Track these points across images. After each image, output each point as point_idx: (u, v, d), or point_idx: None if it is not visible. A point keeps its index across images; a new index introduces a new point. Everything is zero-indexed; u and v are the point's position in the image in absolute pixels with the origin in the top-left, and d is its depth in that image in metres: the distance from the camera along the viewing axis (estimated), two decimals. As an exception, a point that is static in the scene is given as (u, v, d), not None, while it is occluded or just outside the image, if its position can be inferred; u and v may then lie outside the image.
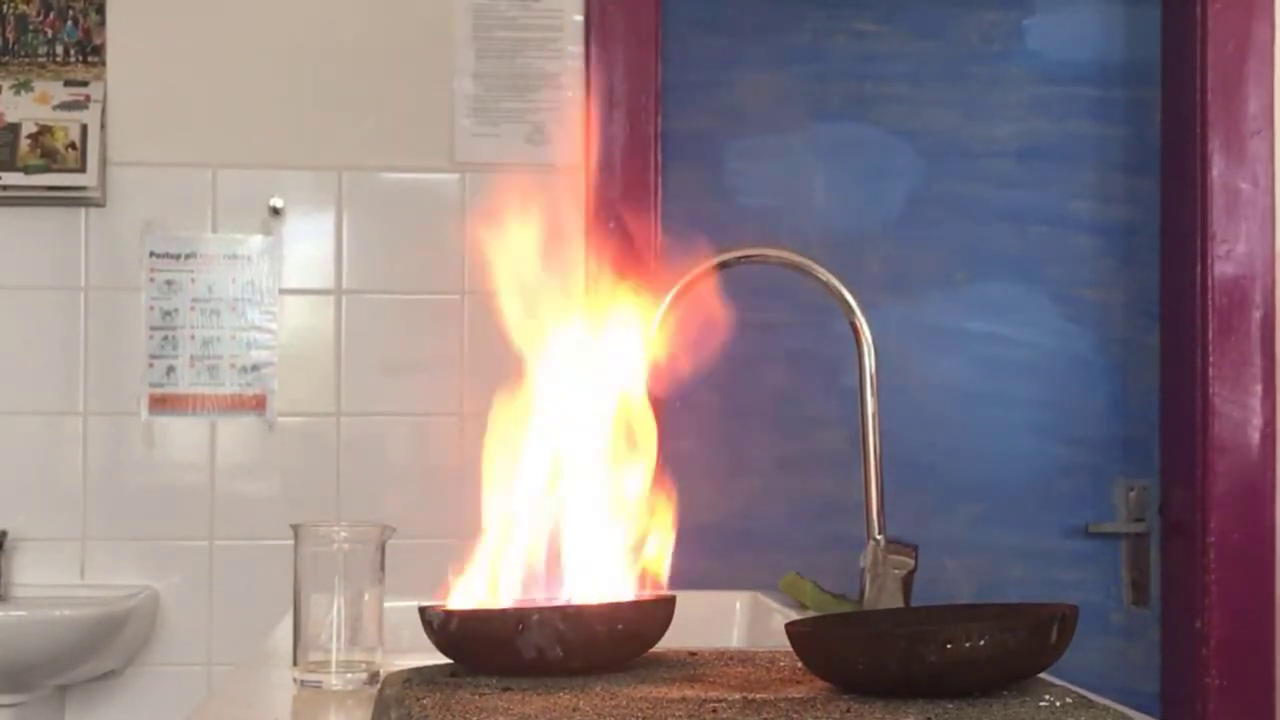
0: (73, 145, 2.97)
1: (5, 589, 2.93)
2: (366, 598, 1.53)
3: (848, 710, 1.06)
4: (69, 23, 3.03)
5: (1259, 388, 3.14)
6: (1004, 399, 3.23)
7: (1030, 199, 3.26)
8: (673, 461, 3.30)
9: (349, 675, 1.51)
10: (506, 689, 1.15)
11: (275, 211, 3.05)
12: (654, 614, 1.28)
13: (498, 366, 1.43)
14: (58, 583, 2.98)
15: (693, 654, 1.32)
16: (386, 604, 1.55)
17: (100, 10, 3.03)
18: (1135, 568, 3.24)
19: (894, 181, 3.24)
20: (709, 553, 3.15)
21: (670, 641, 1.31)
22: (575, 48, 3.09)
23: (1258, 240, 3.15)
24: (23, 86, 3.01)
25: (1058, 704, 1.09)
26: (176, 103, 3.05)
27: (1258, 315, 3.14)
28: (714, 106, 3.22)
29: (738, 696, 1.12)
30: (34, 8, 3.02)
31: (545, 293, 1.42)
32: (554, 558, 1.32)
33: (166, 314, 3.02)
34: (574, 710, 1.07)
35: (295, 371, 3.05)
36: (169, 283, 3.03)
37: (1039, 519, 3.23)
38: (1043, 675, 1.17)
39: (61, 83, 3.01)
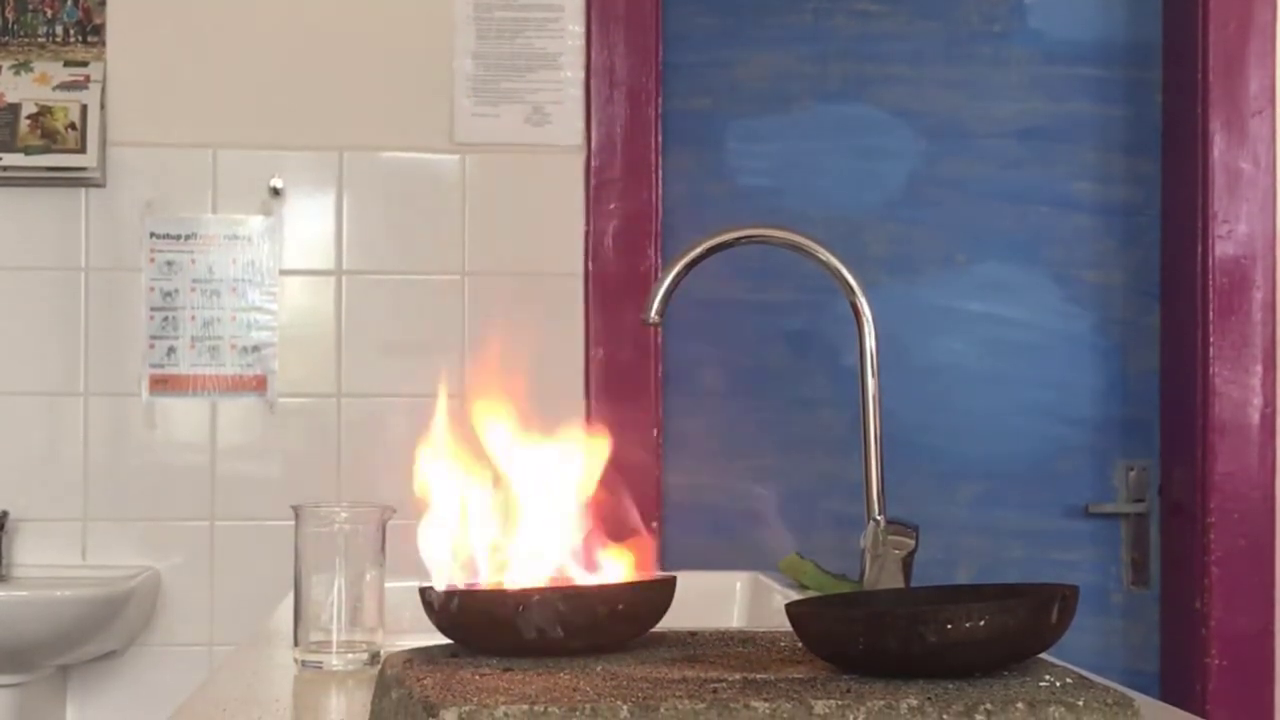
0: (73, 126, 2.97)
1: (6, 570, 2.93)
2: (367, 578, 1.53)
3: (848, 690, 1.06)
4: (69, 3, 3.02)
5: (1259, 368, 3.14)
6: (1004, 379, 3.23)
7: (1031, 179, 3.25)
8: (674, 442, 3.31)
9: (350, 656, 1.52)
10: (507, 669, 1.15)
11: (275, 192, 3.04)
12: (654, 595, 1.28)
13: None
14: (59, 563, 2.98)
15: (693, 634, 1.33)
16: (387, 584, 1.56)
17: (100, -10, 3.03)
18: (1135, 548, 3.25)
19: (895, 162, 3.24)
20: (709, 533, 3.16)
21: (671, 622, 1.31)
22: (576, 28, 3.09)
23: (1259, 220, 3.15)
24: (22, 67, 3.00)
25: (1058, 684, 1.09)
26: (176, 83, 3.05)
27: (1258, 296, 3.14)
28: (715, 87, 3.21)
29: (738, 677, 1.12)
30: (33, -12, 3.02)
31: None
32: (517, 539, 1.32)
33: (167, 295, 3.02)
34: (575, 690, 1.07)
35: (296, 352, 3.05)
36: (169, 263, 3.03)
37: (1039, 499, 3.23)
38: (1043, 655, 1.17)
39: (61, 63, 3.01)
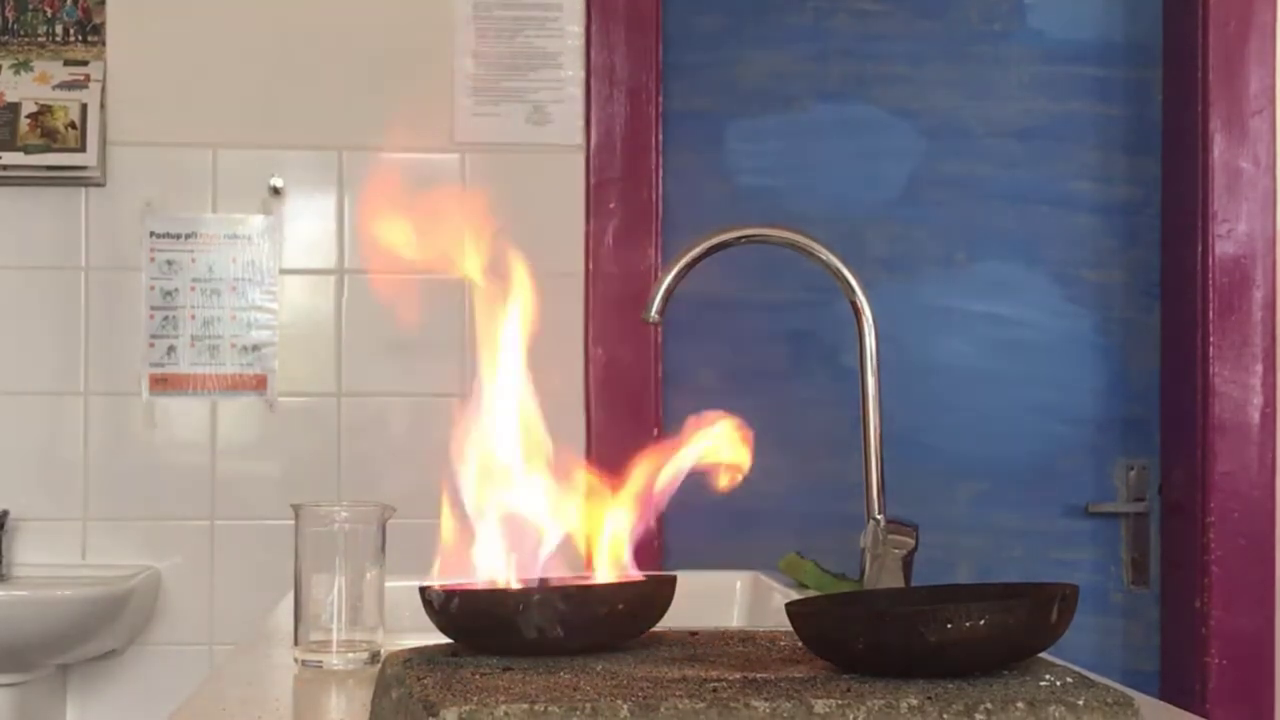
0: (73, 125, 2.97)
1: (6, 569, 2.93)
2: (367, 577, 1.53)
3: (848, 690, 1.06)
4: (68, 2, 3.02)
5: (1259, 367, 3.14)
6: (1004, 379, 3.23)
7: (1031, 179, 3.25)
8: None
9: (350, 655, 1.52)
10: (507, 669, 1.15)
11: (275, 191, 3.04)
12: (655, 594, 1.28)
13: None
14: (59, 563, 2.98)
15: (693, 634, 1.33)
16: (387, 584, 1.56)
17: (100, -11, 3.03)
18: (1135, 547, 3.25)
19: (895, 161, 3.24)
20: (709, 533, 3.16)
21: (671, 621, 1.31)
22: (576, 27, 3.09)
23: (1258, 220, 3.15)
24: (22, 66, 3.00)
25: (1058, 683, 1.09)
26: (176, 82, 3.05)
27: (1258, 295, 3.14)
28: (715, 86, 3.21)
29: (738, 676, 1.12)
30: (33, -13, 3.02)
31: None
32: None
33: (167, 294, 3.02)
34: (574, 690, 1.07)
35: (296, 351, 3.05)
36: (169, 262, 3.03)
37: (1039, 499, 3.23)
38: (1043, 655, 1.17)
39: (61, 62, 3.01)
